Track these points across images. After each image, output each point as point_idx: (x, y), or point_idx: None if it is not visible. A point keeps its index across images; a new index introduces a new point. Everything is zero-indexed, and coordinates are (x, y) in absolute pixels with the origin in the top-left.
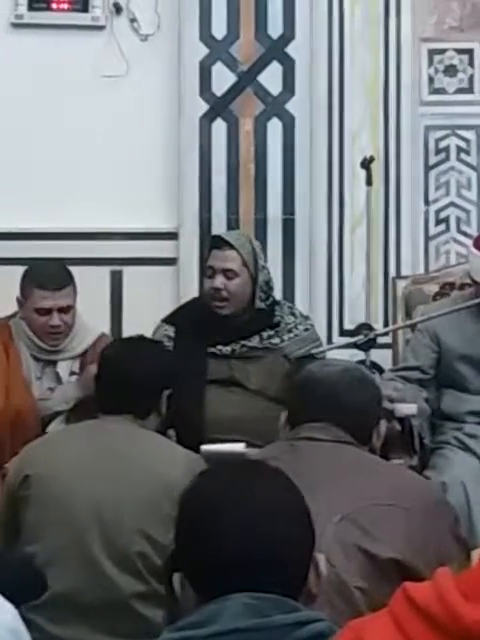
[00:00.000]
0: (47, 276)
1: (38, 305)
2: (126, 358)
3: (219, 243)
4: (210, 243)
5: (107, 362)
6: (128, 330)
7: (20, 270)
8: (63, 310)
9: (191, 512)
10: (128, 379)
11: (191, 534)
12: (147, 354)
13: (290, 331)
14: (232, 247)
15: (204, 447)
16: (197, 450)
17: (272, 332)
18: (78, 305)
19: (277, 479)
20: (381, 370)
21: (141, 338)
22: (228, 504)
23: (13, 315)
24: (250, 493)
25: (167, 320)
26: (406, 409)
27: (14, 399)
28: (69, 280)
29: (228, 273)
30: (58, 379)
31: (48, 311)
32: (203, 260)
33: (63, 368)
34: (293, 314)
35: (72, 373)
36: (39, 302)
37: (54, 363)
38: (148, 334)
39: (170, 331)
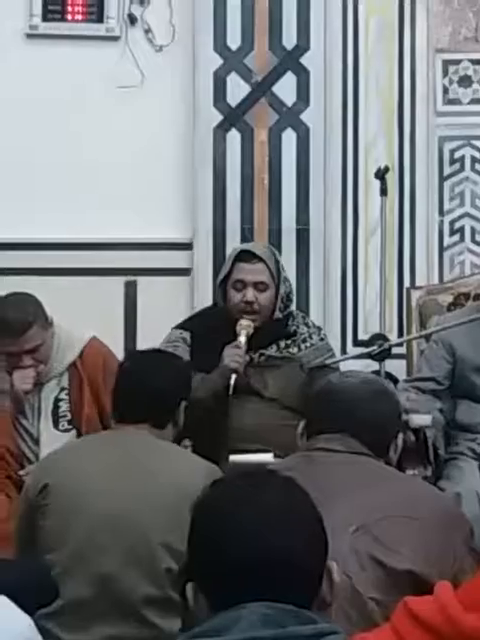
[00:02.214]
0: (9, 322)
1: (6, 350)
2: (145, 369)
3: (247, 256)
4: (234, 257)
5: (126, 373)
6: (142, 340)
7: (35, 281)
8: (31, 351)
9: (202, 521)
10: (147, 389)
11: (202, 543)
12: (166, 365)
13: (305, 341)
14: (260, 259)
15: (233, 457)
16: (216, 459)
17: (289, 341)
18: (91, 315)
19: (288, 487)
20: (395, 381)
21: (159, 351)
22: (237, 512)
23: None
24: (259, 501)
25: (182, 326)
26: (420, 420)
27: None
28: (33, 319)
29: (259, 285)
30: (40, 405)
31: (17, 354)
32: (217, 271)
33: (50, 387)
34: (306, 324)
35: (62, 389)
36: (7, 348)
37: (41, 385)
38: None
39: (186, 335)
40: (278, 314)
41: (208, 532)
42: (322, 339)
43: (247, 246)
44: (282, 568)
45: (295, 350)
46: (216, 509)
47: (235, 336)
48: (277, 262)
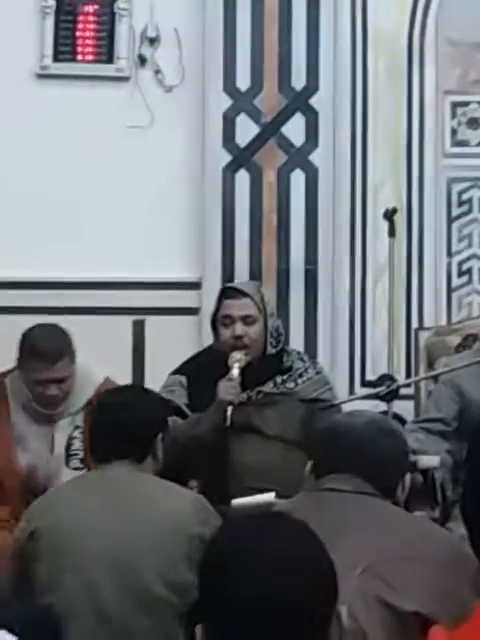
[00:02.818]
0: (43, 349)
1: (34, 377)
2: (117, 405)
3: (232, 293)
4: (220, 295)
5: (100, 410)
6: (150, 379)
7: (45, 320)
8: (59, 380)
9: (211, 564)
10: (120, 424)
11: (210, 586)
12: (138, 399)
13: (301, 375)
14: (246, 295)
15: (235, 502)
16: (222, 499)
17: (285, 377)
18: (99, 354)
19: (298, 531)
20: (403, 421)
21: (131, 386)
22: (246, 556)
23: (11, 370)
24: (270, 545)
25: (178, 371)
26: (428, 461)
27: None
28: (66, 349)
29: (247, 319)
30: (52, 442)
31: (45, 382)
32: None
33: (65, 424)
34: (302, 359)
35: (76, 428)
36: (36, 374)
37: (54, 420)
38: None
39: (182, 379)
40: (271, 349)
41: (216, 575)
42: (318, 372)
43: (233, 283)
44: (289, 612)
45: (292, 385)
46: (223, 553)
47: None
48: (263, 298)
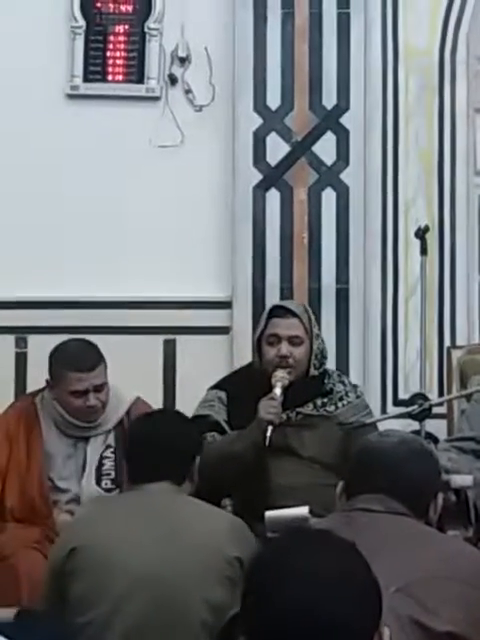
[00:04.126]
0: (79, 358)
1: (74, 388)
2: (156, 428)
3: (281, 312)
4: (268, 312)
5: (138, 433)
6: (181, 399)
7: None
8: (98, 388)
9: (256, 579)
10: (161, 447)
11: (255, 601)
12: (174, 422)
13: (342, 399)
14: (294, 315)
15: (268, 513)
16: (255, 518)
17: (326, 399)
18: (130, 374)
19: (343, 549)
20: (436, 440)
21: (165, 410)
22: (292, 573)
23: (39, 391)
24: (314, 563)
25: (218, 386)
26: (461, 480)
27: (29, 492)
28: (100, 358)
29: (294, 340)
30: (84, 461)
31: (84, 392)
32: (256, 329)
33: (97, 443)
34: (342, 382)
35: (108, 447)
36: (74, 385)
37: (86, 439)
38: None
39: (222, 395)
40: (313, 371)
41: (259, 591)
42: (358, 396)
43: (281, 302)
44: (333, 629)
45: (332, 408)
46: (268, 569)
47: (271, 392)
48: (310, 319)
